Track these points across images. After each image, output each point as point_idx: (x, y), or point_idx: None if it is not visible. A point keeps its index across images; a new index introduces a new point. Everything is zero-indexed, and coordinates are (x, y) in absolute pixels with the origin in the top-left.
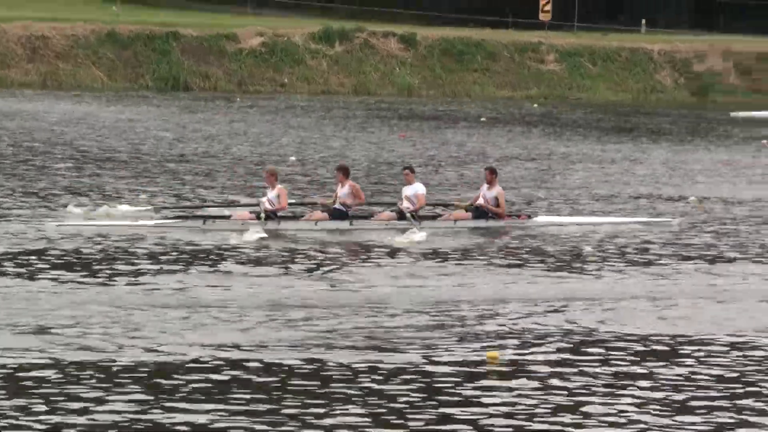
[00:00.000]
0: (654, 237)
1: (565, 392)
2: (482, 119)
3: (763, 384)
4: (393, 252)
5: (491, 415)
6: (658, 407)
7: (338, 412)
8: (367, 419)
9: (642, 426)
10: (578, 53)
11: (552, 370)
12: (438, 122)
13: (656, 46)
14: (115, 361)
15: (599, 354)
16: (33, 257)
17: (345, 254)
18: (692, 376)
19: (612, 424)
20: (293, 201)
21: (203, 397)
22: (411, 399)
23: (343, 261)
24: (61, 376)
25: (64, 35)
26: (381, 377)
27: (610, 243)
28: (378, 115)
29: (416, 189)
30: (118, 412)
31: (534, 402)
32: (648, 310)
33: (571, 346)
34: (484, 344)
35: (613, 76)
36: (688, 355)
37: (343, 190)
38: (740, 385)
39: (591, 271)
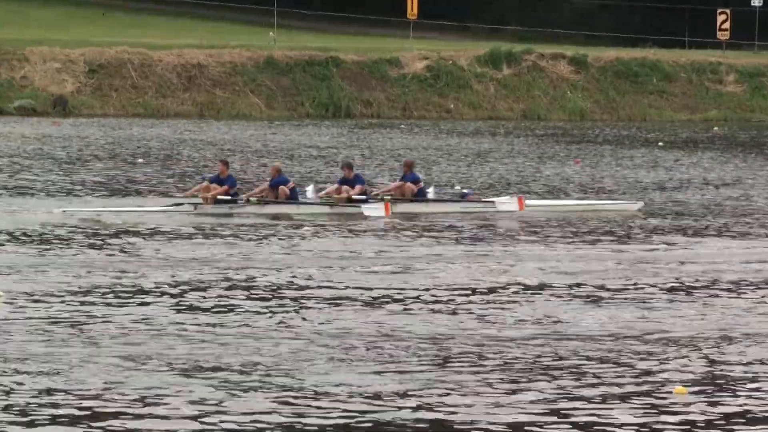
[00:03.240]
0: None
1: None
2: (660, 144)
3: None
4: None
5: None
6: None
7: None
8: None
9: None
10: (760, 73)
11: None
12: (613, 147)
13: None
14: None
15: None
16: None
17: None
18: None
19: None
20: None
21: None
22: None
23: None
24: None
25: (220, 63)
26: None
27: None
28: (556, 141)
29: None
30: None
31: None
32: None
33: None
34: None
35: None
36: None
37: None
38: None
39: None
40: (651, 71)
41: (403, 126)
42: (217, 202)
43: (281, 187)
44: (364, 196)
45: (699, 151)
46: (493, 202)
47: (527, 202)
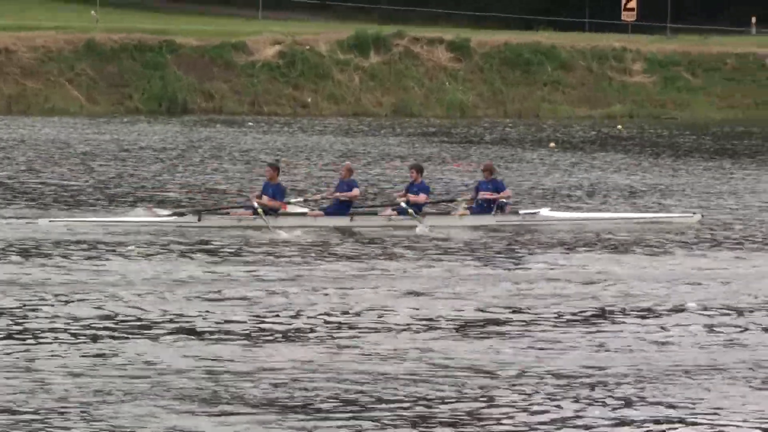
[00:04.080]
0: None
1: None
2: (551, 145)
3: None
4: None
5: None
6: None
7: None
8: None
9: None
10: (672, 62)
11: None
12: (500, 149)
13: None
14: None
15: None
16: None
17: None
18: None
19: None
20: None
21: None
22: None
23: None
24: None
25: (31, 47)
26: None
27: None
28: (432, 140)
29: None
30: None
31: None
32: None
33: None
34: None
35: (717, 89)
36: None
37: None
38: None
39: None
40: (545, 59)
41: (251, 123)
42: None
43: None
44: (404, 205)
45: (601, 152)
46: (537, 213)
47: (580, 215)
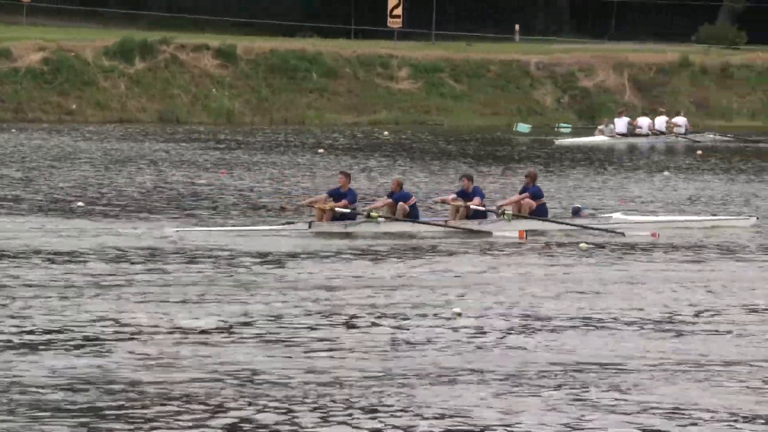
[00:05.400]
0: None
1: None
2: (320, 151)
3: None
4: None
5: None
6: None
7: None
8: None
9: None
10: (437, 68)
11: None
12: (268, 155)
13: (533, 58)
14: None
15: None
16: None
17: None
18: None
19: None
20: None
21: None
22: None
23: None
24: None
25: None
26: None
27: None
28: (199, 147)
29: None
30: None
31: None
32: None
33: None
34: None
35: (481, 96)
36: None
37: None
38: None
39: None
40: (311, 65)
41: (14, 130)
42: (334, 217)
43: (401, 203)
44: (482, 208)
45: (367, 158)
46: (611, 217)
47: (652, 218)
